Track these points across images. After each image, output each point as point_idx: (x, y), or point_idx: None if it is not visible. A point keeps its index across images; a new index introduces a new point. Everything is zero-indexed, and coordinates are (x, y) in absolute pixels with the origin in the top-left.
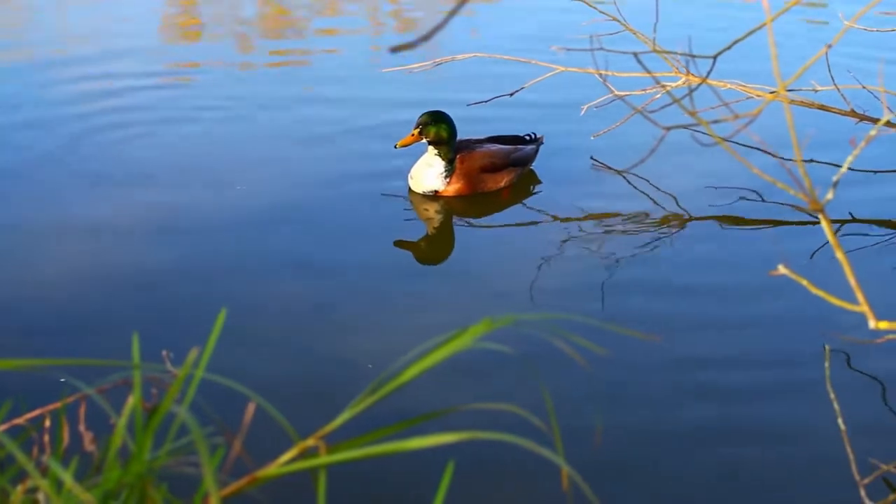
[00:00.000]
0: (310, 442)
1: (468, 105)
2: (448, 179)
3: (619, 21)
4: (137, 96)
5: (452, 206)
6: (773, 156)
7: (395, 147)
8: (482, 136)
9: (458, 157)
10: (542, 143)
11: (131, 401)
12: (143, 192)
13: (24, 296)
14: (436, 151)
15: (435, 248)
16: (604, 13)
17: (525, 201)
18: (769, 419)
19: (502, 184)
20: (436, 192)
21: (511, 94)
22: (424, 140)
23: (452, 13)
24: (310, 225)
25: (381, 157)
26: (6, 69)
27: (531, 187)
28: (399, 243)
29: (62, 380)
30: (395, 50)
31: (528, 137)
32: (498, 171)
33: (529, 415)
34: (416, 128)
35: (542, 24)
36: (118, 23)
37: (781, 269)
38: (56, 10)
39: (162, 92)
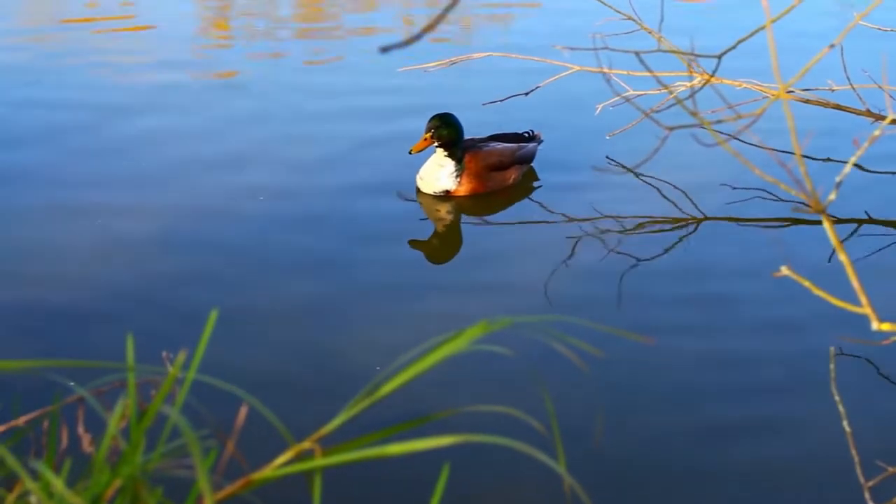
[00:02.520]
0: (305, 444)
1: (483, 104)
2: (459, 179)
3: (634, 20)
4: (157, 95)
5: (462, 206)
6: (767, 149)
7: (410, 153)
8: (484, 136)
9: (466, 156)
10: (541, 140)
11: (121, 403)
12: (151, 189)
13: (23, 295)
14: (446, 153)
15: (447, 247)
16: (619, 11)
17: (538, 201)
18: (774, 420)
19: (510, 181)
20: (447, 192)
21: (527, 94)
22: (435, 143)
23: (442, 15)
24: (317, 226)
25: (389, 158)
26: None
27: (545, 187)
28: (412, 243)
29: (71, 384)
30: (385, 50)
31: (526, 135)
32: (505, 168)
33: (528, 417)
34: (427, 132)
35: (569, 24)
36: (151, 27)
37: (784, 271)
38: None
39: (175, 91)
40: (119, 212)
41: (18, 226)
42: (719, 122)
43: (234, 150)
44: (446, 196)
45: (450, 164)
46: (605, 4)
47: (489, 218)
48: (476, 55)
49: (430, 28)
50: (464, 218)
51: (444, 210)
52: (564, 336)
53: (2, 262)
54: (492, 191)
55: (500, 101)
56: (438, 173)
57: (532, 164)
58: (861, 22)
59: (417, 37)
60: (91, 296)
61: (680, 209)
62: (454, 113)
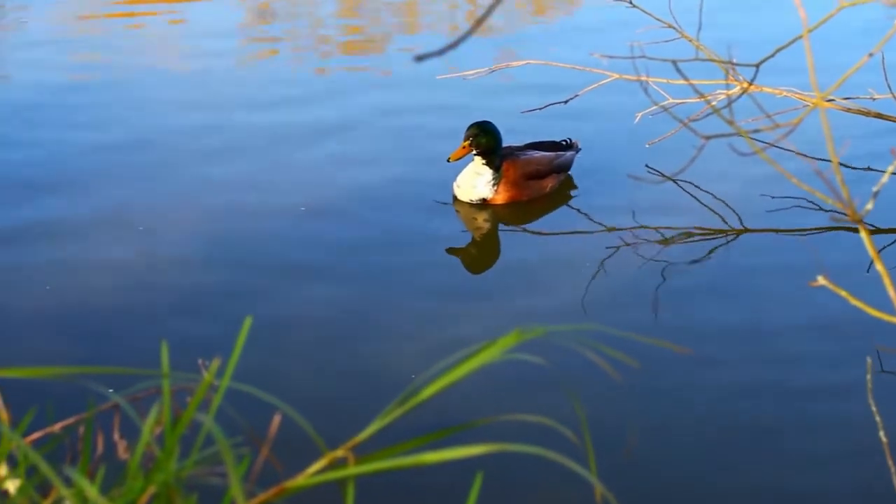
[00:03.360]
0: (339, 453)
1: (522, 112)
2: (497, 187)
3: (674, 28)
4: (205, 109)
5: (500, 214)
6: (803, 157)
7: (448, 161)
8: (521, 144)
9: (503, 164)
10: (579, 148)
11: (154, 409)
12: (190, 200)
13: (61, 302)
14: (483, 161)
15: (484, 256)
16: (659, 20)
17: (577, 209)
18: (811, 429)
19: (546, 190)
20: (484, 199)
21: (565, 102)
22: (473, 151)
23: (479, 22)
24: (354, 234)
25: (427, 166)
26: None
27: (583, 195)
28: (450, 251)
29: (110, 391)
30: (420, 58)
31: (564, 143)
32: (543, 177)
33: (560, 426)
34: (466, 140)
35: (610, 32)
36: (196, 38)
37: (821, 281)
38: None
39: (217, 109)
40: (158, 221)
41: (59, 235)
42: (756, 131)
43: (271, 161)
44: (484, 204)
45: (487, 173)
46: (645, 13)
47: (527, 226)
48: (515, 63)
49: (462, 39)
50: (501, 226)
51: (482, 218)
52: (599, 345)
53: (38, 271)
54: (529, 199)
55: (539, 108)
56: (476, 181)
57: (570, 173)
58: None
59: (451, 46)
60: (129, 304)
61: (719, 216)
62: (492, 120)
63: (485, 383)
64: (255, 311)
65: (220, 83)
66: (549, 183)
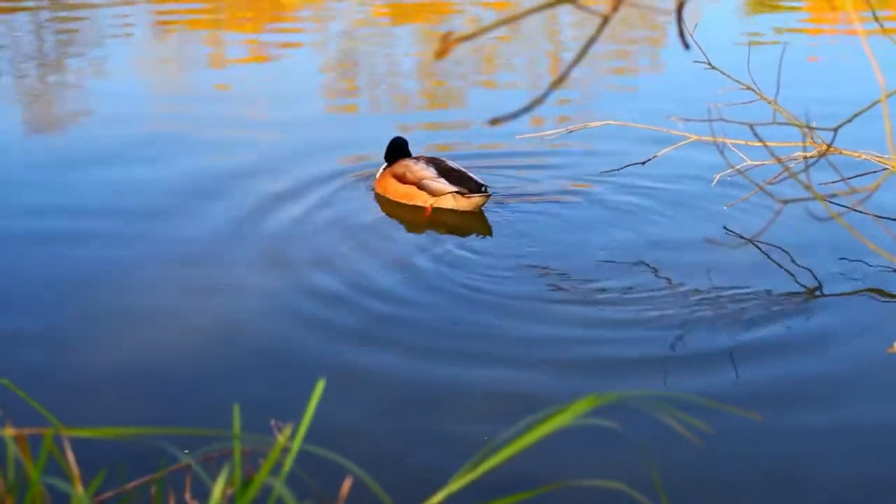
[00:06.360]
0: None
1: (601, 172)
2: (378, 175)
3: (752, 90)
4: (276, 160)
5: (571, 289)
6: (883, 218)
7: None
8: (473, 174)
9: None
10: (488, 194)
11: (224, 472)
12: (264, 259)
13: (136, 361)
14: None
15: (565, 314)
16: (738, 81)
17: (652, 267)
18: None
19: (402, 200)
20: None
21: (643, 163)
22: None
23: (555, 84)
24: (424, 295)
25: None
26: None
27: (661, 255)
28: (524, 306)
29: (185, 451)
30: (495, 122)
31: (483, 188)
32: (407, 183)
33: (636, 493)
34: None
35: (690, 92)
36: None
37: None
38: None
39: (295, 165)
40: (240, 279)
41: (132, 292)
42: (833, 195)
43: (354, 220)
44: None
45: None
46: (724, 74)
47: (598, 288)
48: (593, 123)
49: (538, 101)
50: (577, 283)
51: (555, 280)
52: (675, 411)
53: (114, 328)
54: (395, 198)
55: (618, 169)
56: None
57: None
58: None
59: (526, 109)
60: (204, 362)
61: (796, 279)
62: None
63: (558, 440)
64: (328, 370)
65: (308, 135)
66: (405, 195)
